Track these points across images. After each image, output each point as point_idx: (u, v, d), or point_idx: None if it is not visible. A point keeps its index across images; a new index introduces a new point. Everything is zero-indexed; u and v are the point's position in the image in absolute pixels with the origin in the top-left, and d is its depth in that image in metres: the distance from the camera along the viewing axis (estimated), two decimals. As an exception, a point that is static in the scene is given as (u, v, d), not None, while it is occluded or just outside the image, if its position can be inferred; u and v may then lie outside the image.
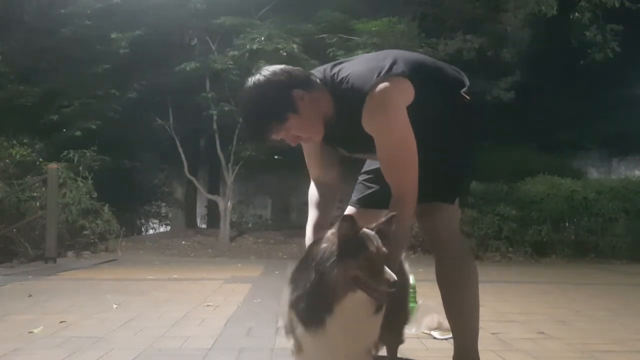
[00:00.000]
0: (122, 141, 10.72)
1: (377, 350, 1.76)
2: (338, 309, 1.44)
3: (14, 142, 8.60)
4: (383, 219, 1.55)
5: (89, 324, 3.14)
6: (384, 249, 1.46)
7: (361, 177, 2.17)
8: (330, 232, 1.50)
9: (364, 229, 1.49)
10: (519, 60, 12.12)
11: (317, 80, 1.82)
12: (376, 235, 1.49)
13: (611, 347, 2.62)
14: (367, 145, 1.80)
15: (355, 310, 1.46)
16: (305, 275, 1.49)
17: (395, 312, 1.71)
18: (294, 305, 1.54)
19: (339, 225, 1.45)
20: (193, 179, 10.78)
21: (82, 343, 2.64)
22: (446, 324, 2.79)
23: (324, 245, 1.48)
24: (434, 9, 10.79)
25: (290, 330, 1.60)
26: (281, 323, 2.13)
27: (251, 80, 1.78)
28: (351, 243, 1.44)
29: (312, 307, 1.47)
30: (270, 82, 1.75)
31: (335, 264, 1.42)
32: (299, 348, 1.60)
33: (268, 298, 4.09)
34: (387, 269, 1.43)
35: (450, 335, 2.72)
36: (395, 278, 1.42)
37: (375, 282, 1.42)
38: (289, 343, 1.60)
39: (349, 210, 2.11)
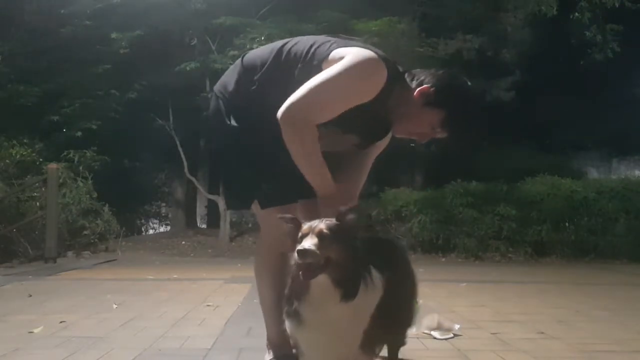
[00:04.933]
0: (122, 141, 10.73)
1: (377, 351, 1.76)
2: (307, 298, 1.47)
3: (14, 142, 8.61)
4: (345, 208, 1.52)
5: (89, 324, 3.13)
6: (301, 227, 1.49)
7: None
8: None
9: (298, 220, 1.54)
10: (519, 60, 12.12)
11: None
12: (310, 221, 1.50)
13: (611, 347, 2.62)
14: (379, 137, 1.97)
15: (321, 297, 1.45)
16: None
17: (397, 311, 1.70)
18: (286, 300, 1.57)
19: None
20: (193, 179, 10.78)
21: (82, 343, 2.63)
22: (446, 324, 2.81)
23: None
24: (434, 9, 10.79)
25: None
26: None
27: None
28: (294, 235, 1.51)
29: (290, 300, 1.52)
30: None
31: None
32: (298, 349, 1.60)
33: (268, 298, 4.07)
34: (300, 243, 1.43)
35: (451, 335, 2.75)
36: (305, 247, 1.39)
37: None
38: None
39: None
